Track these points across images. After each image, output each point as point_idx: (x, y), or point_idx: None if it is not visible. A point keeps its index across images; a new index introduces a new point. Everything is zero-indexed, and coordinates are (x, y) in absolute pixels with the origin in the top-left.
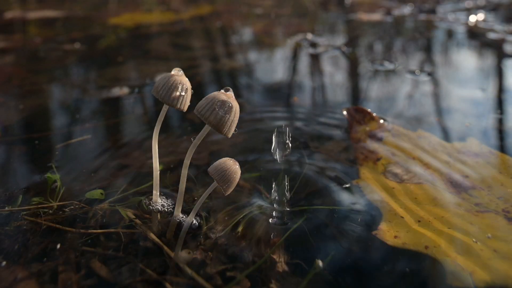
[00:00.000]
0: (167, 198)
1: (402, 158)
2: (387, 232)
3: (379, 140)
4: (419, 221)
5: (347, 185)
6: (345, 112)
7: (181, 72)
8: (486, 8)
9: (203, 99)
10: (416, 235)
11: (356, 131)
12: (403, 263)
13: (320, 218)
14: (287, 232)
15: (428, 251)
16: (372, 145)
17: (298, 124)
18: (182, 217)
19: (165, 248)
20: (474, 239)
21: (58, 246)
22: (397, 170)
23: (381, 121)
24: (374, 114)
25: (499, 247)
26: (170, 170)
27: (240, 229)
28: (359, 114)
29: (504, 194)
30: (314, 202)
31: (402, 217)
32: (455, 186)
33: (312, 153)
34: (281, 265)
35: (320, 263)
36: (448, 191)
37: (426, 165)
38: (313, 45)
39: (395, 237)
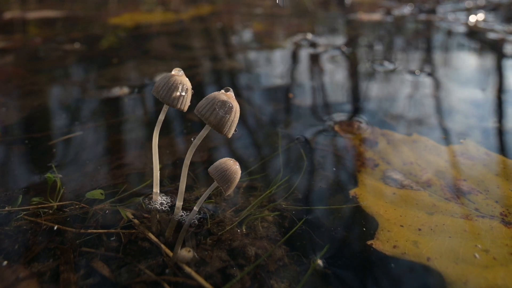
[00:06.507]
0: (167, 197)
1: (399, 163)
2: (385, 242)
3: (374, 146)
4: (419, 230)
5: (348, 192)
6: (337, 127)
7: (181, 72)
8: (486, 8)
9: (203, 99)
10: (416, 245)
11: (350, 140)
12: (401, 273)
13: (318, 224)
14: (287, 234)
15: (429, 263)
16: (368, 152)
17: (296, 125)
18: (182, 215)
19: (164, 247)
20: (475, 245)
21: (58, 244)
22: (397, 176)
23: (374, 128)
24: (366, 124)
25: (498, 254)
26: (170, 170)
27: (241, 227)
28: (351, 127)
29: (501, 197)
30: (312, 207)
31: (402, 226)
32: (454, 191)
33: (308, 155)
34: (281, 263)
35: (320, 262)
36: (446, 196)
37: (424, 170)
38: (313, 45)
39: (394, 246)
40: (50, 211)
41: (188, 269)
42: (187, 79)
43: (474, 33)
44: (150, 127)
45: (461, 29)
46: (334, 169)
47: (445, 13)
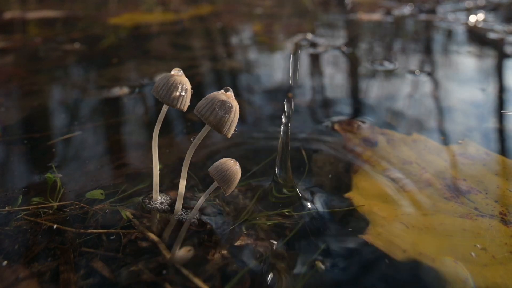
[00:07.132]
0: (167, 197)
1: (398, 163)
2: (385, 241)
3: (374, 146)
4: (419, 229)
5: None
6: (337, 126)
7: (181, 72)
8: (486, 8)
9: (203, 99)
10: (415, 244)
11: (349, 139)
12: (400, 272)
13: (318, 224)
14: (289, 234)
15: (428, 262)
16: (367, 151)
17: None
18: (182, 215)
19: (164, 247)
20: (474, 244)
21: (58, 244)
22: (396, 175)
23: (374, 127)
24: (366, 123)
25: (497, 252)
26: (170, 170)
27: (242, 227)
28: (351, 126)
29: (500, 197)
30: (311, 206)
31: (401, 225)
32: (453, 190)
33: (308, 155)
34: (281, 264)
35: (320, 261)
36: (446, 196)
37: (423, 170)
38: (313, 45)
39: (393, 245)
40: (50, 211)
41: (185, 271)
42: (187, 79)
43: (474, 33)
44: (150, 127)
45: (461, 29)
46: (333, 168)
47: (445, 13)
